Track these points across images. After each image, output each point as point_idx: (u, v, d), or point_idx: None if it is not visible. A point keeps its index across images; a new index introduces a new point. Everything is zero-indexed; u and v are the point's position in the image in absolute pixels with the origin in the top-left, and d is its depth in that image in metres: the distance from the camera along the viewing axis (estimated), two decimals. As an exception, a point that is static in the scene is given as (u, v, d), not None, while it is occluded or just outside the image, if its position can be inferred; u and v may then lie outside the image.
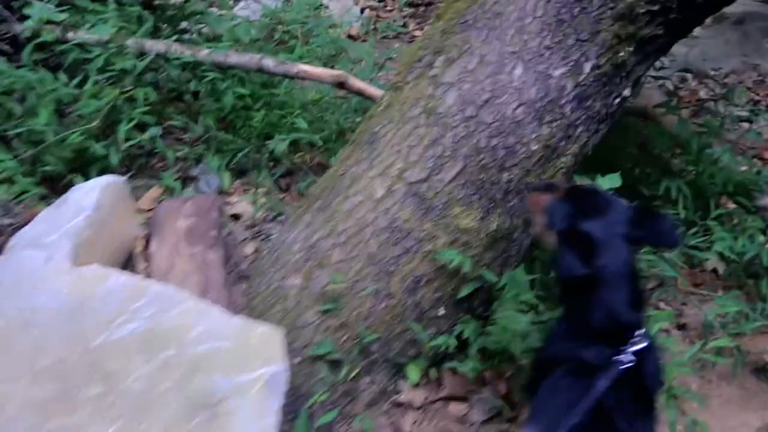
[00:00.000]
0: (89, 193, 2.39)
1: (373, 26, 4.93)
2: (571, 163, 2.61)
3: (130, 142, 3.13)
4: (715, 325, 3.13)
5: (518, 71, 2.47)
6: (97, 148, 2.93)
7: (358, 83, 3.13)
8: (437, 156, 2.45)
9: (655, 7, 2.46)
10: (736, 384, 3.13)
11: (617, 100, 2.63)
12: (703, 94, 4.97)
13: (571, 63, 2.50)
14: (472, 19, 2.53)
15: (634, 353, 1.82)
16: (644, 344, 1.83)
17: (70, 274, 2.11)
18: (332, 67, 3.98)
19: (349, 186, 2.55)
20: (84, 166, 3.04)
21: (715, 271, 3.59)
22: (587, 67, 2.51)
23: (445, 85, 2.50)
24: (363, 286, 2.47)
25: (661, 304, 3.40)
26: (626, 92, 2.65)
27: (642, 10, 2.47)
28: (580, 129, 2.58)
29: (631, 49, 2.53)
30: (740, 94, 4.32)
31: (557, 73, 2.49)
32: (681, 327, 3.35)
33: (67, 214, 2.34)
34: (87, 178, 2.99)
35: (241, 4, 5.20)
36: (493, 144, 2.45)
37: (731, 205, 3.75)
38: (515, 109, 2.46)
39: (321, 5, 5.00)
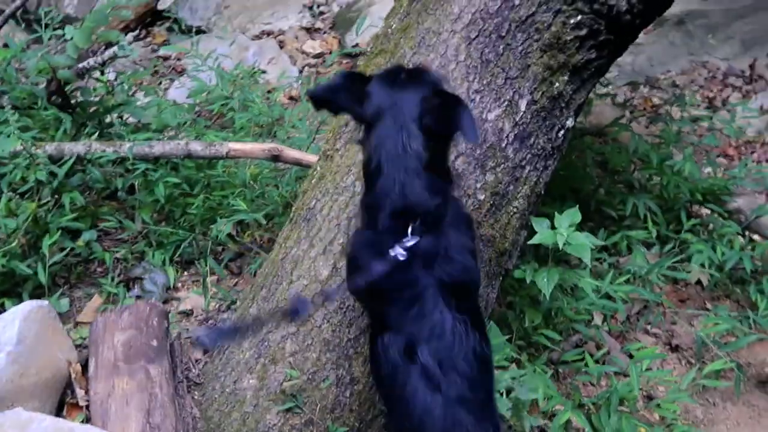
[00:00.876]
0: (9, 326, 2.19)
1: (313, 84, 4.78)
2: (525, 205, 2.45)
3: (63, 252, 2.94)
4: (708, 343, 2.96)
5: (450, 120, 2.32)
6: (22, 267, 2.73)
7: (293, 154, 2.96)
8: (379, 223, 2.28)
9: (583, 32, 2.33)
10: (742, 402, 2.96)
11: (561, 133, 2.48)
12: (656, 99, 4.87)
13: (505, 103, 2.35)
14: (394, 73, 2.38)
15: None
16: (414, 240, 1.78)
17: (-8, 423, 1.90)
18: (274, 135, 3.83)
19: (292, 270, 2.36)
20: (15, 287, 2.83)
21: (699, 282, 3.43)
22: (523, 105, 2.37)
23: (377, 147, 2.33)
24: (323, 375, 2.28)
25: (649, 328, 3.24)
26: (569, 122, 2.50)
27: (569, 37, 2.33)
28: (527, 169, 2.42)
29: (566, 78, 2.40)
30: (691, 98, 4.21)
31: (492, 115, 2.35)
32: (674, 349, 3.18)
33: (-13, 353, 2.13)
34: (20, 299, 2.80)
35: (176, 83, 5.05)
36: (437, 201, 2.28)
37: (704, 211, 3.62)
38: (454, 161, 2.30)
39: (257, 71, 4.85)
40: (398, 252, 1.77)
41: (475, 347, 1.78)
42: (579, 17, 2.32)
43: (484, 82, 2.34)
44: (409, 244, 1.78)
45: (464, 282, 1.86)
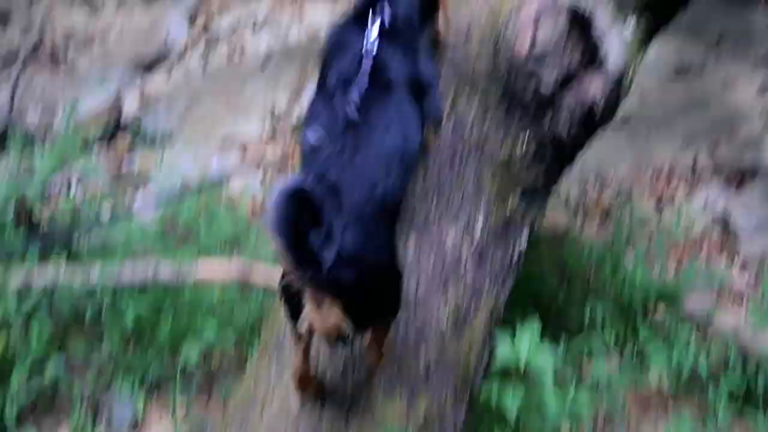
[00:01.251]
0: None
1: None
2: (487, 322, 2.53)
3: (32, 388, 2.93)
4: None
5: (410, 242, 2.43)
6: (-11, 405, 2.72)
7: (263, 276, 2.98)
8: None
9: (531, 154, 2.52)
10: (711, 507, 2.99)
11: (517, 250, 2.60)
12: (607, 195, 5.04)
13: (462, 224, 2.48)
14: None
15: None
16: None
17: None
18: (240, 252, 3.87)
19: (264, 396, 2.39)
20: (-20, 422, 2.81)
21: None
22: (479, 225, 2.50)
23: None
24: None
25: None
26: (524, 240, 2.63)
27: (518, 159, 2.51)
28: (486, 287, 2.52)
29: (518, 195, 2.56)
30: (639, 197, 4.41)
31: (450, 237, 2.47)
32: (641, 457, 3.22)
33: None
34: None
35: (140, 194, 5.11)
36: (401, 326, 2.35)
37: (661, 310, 3.72)
38: (416, 286, 2.40)
39: (222, 184, 4.95)
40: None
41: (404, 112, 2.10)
42: (527, 142, 2.50)
43: (442, 205, 2.47)
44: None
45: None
